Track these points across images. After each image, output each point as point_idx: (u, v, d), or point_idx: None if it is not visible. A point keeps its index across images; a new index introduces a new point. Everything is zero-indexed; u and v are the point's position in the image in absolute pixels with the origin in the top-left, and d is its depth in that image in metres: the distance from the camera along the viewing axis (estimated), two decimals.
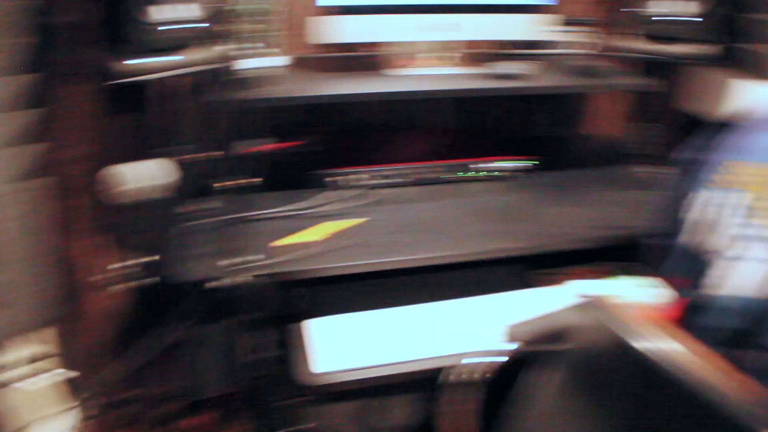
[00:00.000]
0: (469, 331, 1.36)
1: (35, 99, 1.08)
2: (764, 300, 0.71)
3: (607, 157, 1.96)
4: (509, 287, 1.48)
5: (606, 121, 2.06)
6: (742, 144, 0.84)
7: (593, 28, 1.84)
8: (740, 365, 0.75)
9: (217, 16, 1.30)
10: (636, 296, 1.05)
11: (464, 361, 1.11)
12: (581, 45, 1.84)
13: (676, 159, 0.98)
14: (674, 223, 0.93)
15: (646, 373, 0.80)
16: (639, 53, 1.84)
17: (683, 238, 0.90)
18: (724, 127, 0.91)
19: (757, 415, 0.71)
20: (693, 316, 0.86)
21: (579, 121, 2.04)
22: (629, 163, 1.91)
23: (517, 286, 1.48)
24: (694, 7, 1.75)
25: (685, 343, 0.78)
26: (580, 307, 0.93)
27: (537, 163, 1.81)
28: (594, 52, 1.83)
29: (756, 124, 0.85)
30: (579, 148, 2.03)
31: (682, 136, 1.00)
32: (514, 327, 1.09)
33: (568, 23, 1.83)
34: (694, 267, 0.85)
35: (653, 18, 1.81)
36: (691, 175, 0.92)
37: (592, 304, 0.91)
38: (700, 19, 1.74)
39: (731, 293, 0.77)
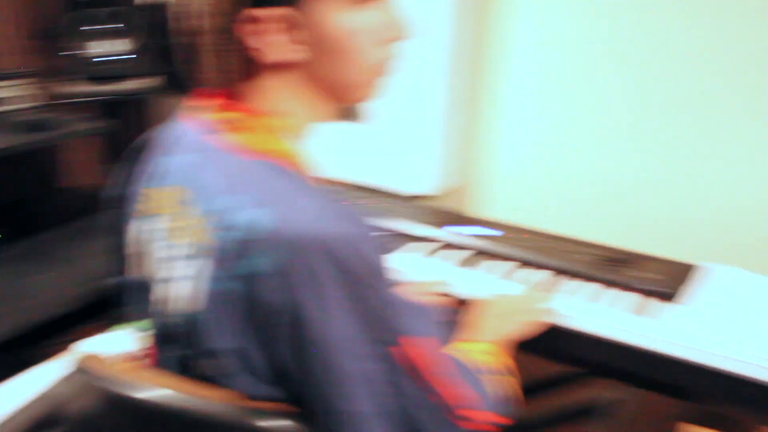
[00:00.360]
0: None
1: None
2: (197, 312, 0.75)
3: (85, 208, 1.89)
4: (3, 378, 1.32)
5: (77, 171, 1.99)
6: (154, 169, 0.87)
7: (32, 79, 1.76)
8: (205, 378, 0.79)
9: None
10: (126, 344, 1.03)
11: None
12: (23, 98, 1.74)
13: (112, 194, 0.98)
14: (122, 261, 0.93)
15: (142, 422, 0.80)
16: (86, 97, 1.82)
17: (130, 274, 0.90)
18: (141, 154, 0.93)
19: (245, 420, 0.77)
20: (159, 346, 0.87)
21: (46, 178, 1.93)
22: (105, 208, 1.87)
23: (13, 373, 1.33)
24: (127, 45, 1.81)
25: (158, 378, 0.79)
26: (66, 378, 0.88)
27: (4, 234, 1.65)
28: (39, 103, 1.75)
29: (162, 147, 0.88)
30: (51, 205, 1.92)
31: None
32: (7, 420, 0.99)
33: (1, 77, 1.70)
34: (144, 299, 0.86)
35: (93, 60, 1.81)
36: (124, 209, 0.93)
37: (77, 371, 0.87)
38: (135, 56, 1.81)
39: (174, 313, 0.79)
